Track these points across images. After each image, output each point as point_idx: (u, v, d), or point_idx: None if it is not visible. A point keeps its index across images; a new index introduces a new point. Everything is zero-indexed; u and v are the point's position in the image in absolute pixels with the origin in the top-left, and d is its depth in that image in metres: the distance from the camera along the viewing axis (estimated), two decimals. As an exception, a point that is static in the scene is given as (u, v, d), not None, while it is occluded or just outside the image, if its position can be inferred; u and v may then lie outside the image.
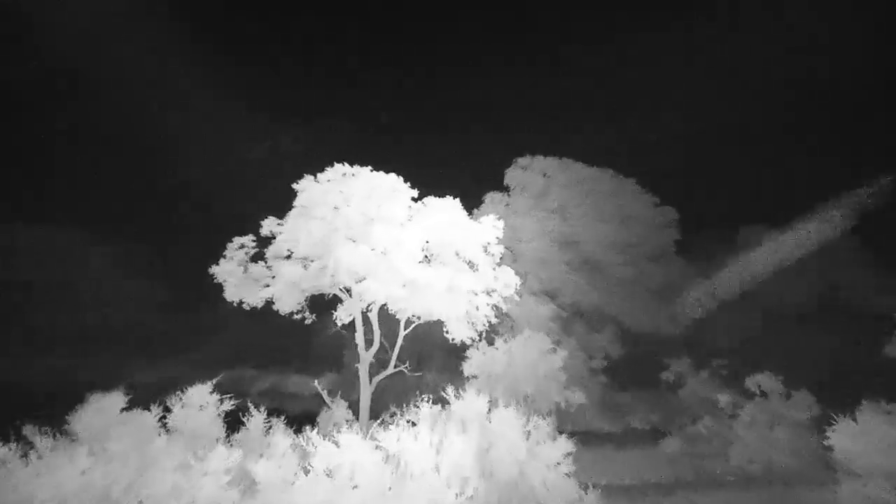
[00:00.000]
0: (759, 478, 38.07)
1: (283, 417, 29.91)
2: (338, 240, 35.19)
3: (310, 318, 37.15)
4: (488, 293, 36.76)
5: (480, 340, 38.64)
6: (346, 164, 36.84)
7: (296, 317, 36.89)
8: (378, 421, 30.87)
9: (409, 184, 36.75)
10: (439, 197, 37.43)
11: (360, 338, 37.32)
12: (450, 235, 36.04)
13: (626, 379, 55.20)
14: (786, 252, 60.82)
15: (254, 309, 36.91)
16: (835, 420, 30.16)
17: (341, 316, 36.90)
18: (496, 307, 36.87)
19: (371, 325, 37.58)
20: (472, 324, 36.40)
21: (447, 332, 36.16)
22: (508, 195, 53.24)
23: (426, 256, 36.72)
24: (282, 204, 37.07)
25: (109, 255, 78.93)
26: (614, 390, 52.39)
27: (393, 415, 34.85)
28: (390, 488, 23.65)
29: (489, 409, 30.05)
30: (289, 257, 36.27)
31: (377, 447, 24.78)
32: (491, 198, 52.83)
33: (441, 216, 36.42)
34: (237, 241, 36.82)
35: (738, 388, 42.32)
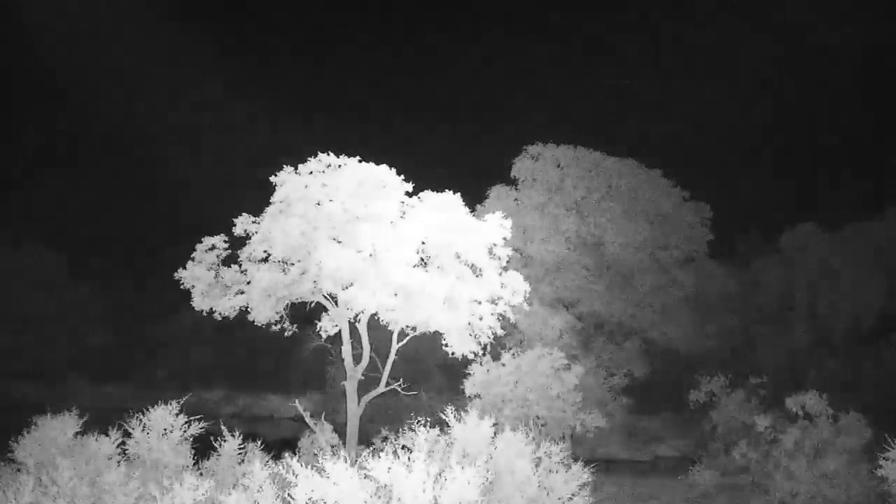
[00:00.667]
0: (804, 513, 38.32)
1: (259, 443, 30.15)
2: (320, 240, 35.47)
3: (289, 330, 37.44)
4: (494, 302, 37.04)
5: (484, 356, 38.90)
6: (330, 153, 37.07)
7: (273, 328, 37.19)
8: (367, 447, 31.13)
9: (402, 177, 37.00)
10: (437, 191, 37.70)
11: (346, 352, 37.62)
12: (449, 236, 36.30)
13: (652, 400, 55.56)
14: (840, 257, 61.02)
15: (226, 319, 37.21)
16: (889, 447, 30.40)
17: (325, 327, 37.16)
18: (503, 317, 37.17)
19: (360, 338, 37.87)
20: (475, 337, 36.69)
21: (446, 345, 36.44)
22: (517, 189, 53.52)
23: (422, 260, 36.97)
24: (262, 200, 37.38)
25: (54, 263, 79.14)
26: (638, 413, 52.74)
27: (384, 440, 35.11)
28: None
29: (494, 434, 30.30)
30: (265, 260, 36.54)
31: (366, 477, 25.06)
32: (497, 192, 53.11)
33: (439, 214, 36.66)
34: (207, 241, 37.10)
35: (779, 411, 42.53)
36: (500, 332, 37.20)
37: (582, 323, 52.02)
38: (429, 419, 29.88)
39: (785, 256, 62.83)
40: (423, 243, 36.62)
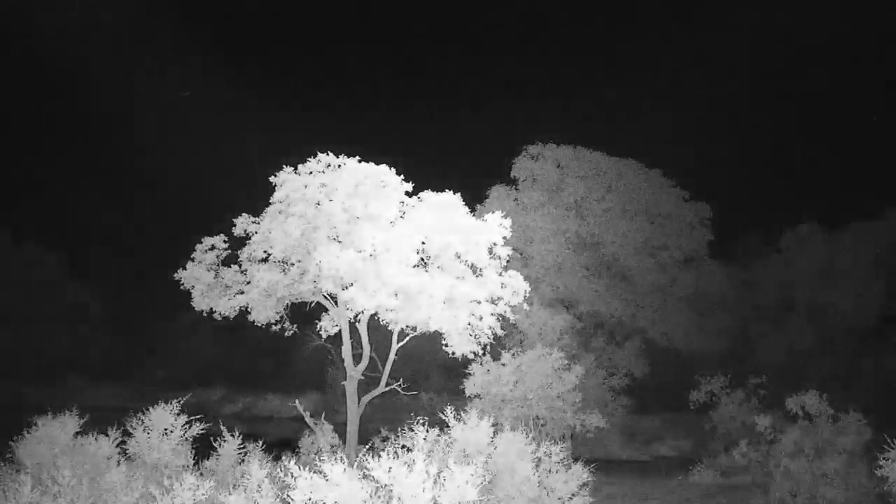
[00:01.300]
0: (804, 513, 38.38)
1: (259, 443, 30.22)
2: (320, 241, 35.50)
3: (289, 330, 37.50)
4: (493, 302, 37.06)
5: (484, 356, 38.93)
6: (330, 153, 37.12)
7: (273, 328, 37.24)
8: (367, 446, 31.16)
9: (402, 176, 37.03)
10: (437, 191, 37.74)
11: (346, 352, 37.67)
12: (449, 236, 36.27)
13: (652, 400, 55.64)
14: (841, 257, 61.05)
15: (226, 319, 37.26)
16: (889, 447, 30.45)
17: (325, 327, 37.23)
18: (503, 318, 37.18)
19: (360, 338, 37.93)
20: (475, 337, 36.70)
21: (446, 345, 36.46)
22: (517, 189, 53.63)
23: (422, 260, 37.00)
24: (262, 201, 37.43)
25: (54, 262, 79.19)
26: (638, 413, 52.81)
27: (384, 439, 35.14)
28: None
29: (494, 434, 30.36)
30: (265, 260, 36.59)
31: (365, 477, 25.12)
32: (497, 192, 53.22)
33: (439, 213, 36.68)
34: (207, 241, 37.14)
35: (779, 411, 42.60)
36: (500, 332, 37.19)
37: (582, 323, 52.10)
38: (428, 419, 29.94)
39: (785, 256, 62.88)
40: (423, 243, 36.61)
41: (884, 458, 30.43)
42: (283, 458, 28.31)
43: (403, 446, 27.90)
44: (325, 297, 37.27)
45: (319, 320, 37.58)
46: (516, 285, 37.34)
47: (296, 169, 37.15)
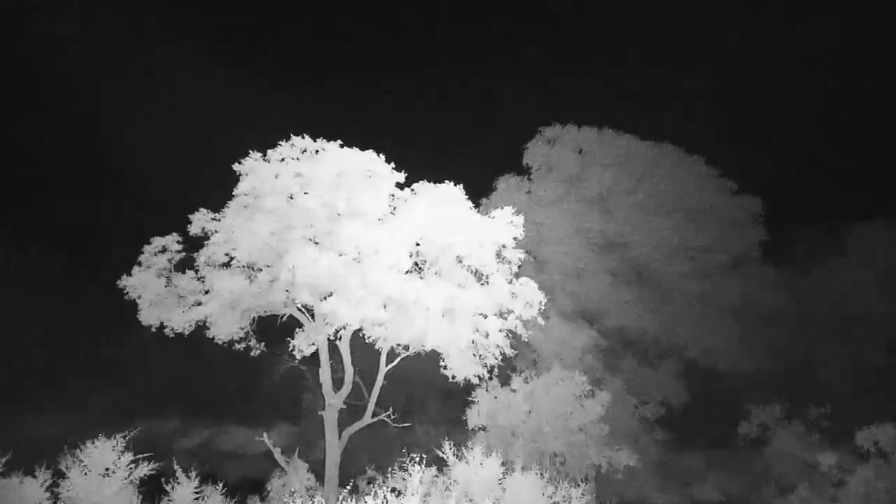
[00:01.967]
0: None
1: (220, 485, 30.20)
2: (294, 242, 35.49)
3: (257, 349, 37.44)
4: (502, 315, 37.11)
5: (491, 380, 38.97)
6: (306, 136, 37.08)
7: (237, 346, 37.18)
8: (349, 488, 31.18)
9: (392, 165, 37.01)
10: (434, 182, 37.75)
11: (325, 375, 37.63)
12: (449, 235, 36.34)
13: (693, 433, 55.47)
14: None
15: (180, 336, 37.18)
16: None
17: (300, 345, 37.17)
18: (513, 334, 37.20)
19: (341, 359, 37.89)
20: (480, 357, 36.75)
21: (445, 367, 36.45)
22: (530, 179, 53.59)
23: (416, 264, 37.05)
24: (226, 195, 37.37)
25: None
26: (676, 449, 52.70)
27: (371, 480, 35.18)
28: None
29: (503, 475, 30.38)
30: (228, 265, 36.52)
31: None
32: (506, 183, 53.17)
33: (437, 209, 36.73)
34: (156, 242, 37.05)
35: (847, 447, 42.59)
36: (509, 351, 37.22)
37: (608, 340, 52.04)
38: (424, 456, 29.96)
39: (853, 259, 62.81)
40: (418, 245, 36.69)
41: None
42: (249, 502, 28.30)
43: (394, 489, 27.93)
44: (300, 310, 37.23)
45: (293, 337, 37.52)
46: (529, 295, 37.38)
47: (265, 155, 37.00)
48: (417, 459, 29.27)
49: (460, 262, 37.21)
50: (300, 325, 37.50)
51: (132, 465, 28.75)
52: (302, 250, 34.91)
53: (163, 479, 29.57)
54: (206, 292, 36.42)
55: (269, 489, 36.58)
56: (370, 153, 36.87)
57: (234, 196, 37.09)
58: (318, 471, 38.13)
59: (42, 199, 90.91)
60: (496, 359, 36.83)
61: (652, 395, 51.29)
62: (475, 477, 29.35)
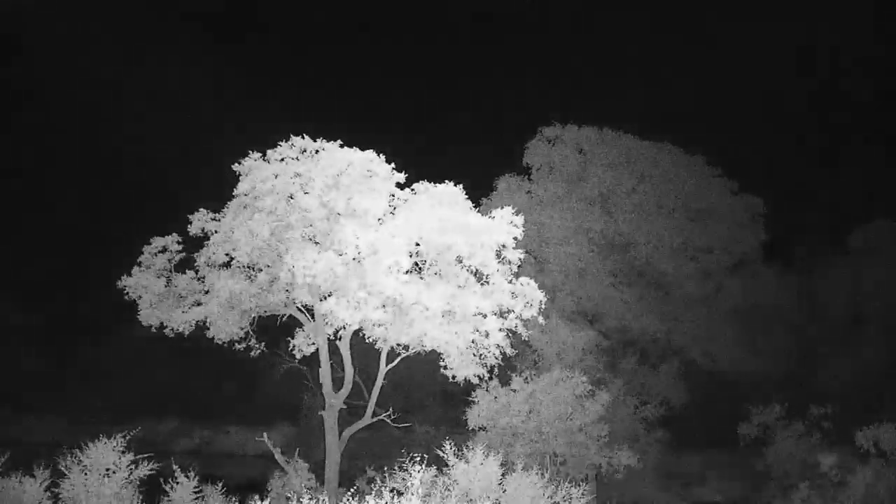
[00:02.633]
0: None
1: (220, 485, 30.25)
2: (293, 242, 35.54)
3: (257, 349, 37.51)
4: (503, 315, 37.14)
5: (491, 380, 39.02)
6: (305, 136, 37.14)
7: (237, 347, 37.26)
8: (351, 489, 31.23)
9: (392, 165, 37.07)
10: (434, 182, 37.81)
11: (325, 376, 37.72)
12: (449, 236, 36.32)
13: (694, 434, 55.54)
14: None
15: (179, 336, 37.24)
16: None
17: (300, 345, 37.32)
18: (513, 334, 37.25)
19: (341, 359, 37.96)
20: (480, 357, 36.79)
21: (445, 368, 36.54)
22: (530, 179, 53.64)
23: (416, 265, 37.08)
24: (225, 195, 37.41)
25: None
26: (677, 450, 52.77)
27: (371, 481, 35.20)
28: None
29: (503, 475, 30.44)
30: (227, 265, 36.58)
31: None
32: (506, 183, 53.22)
33: (437, 209, 36.77)
34: (157, 242, 37.15)
35: (847, 447, 42.66)
36: (509, 351, 37.27)
37: (609, 340, 52.13)
38: (424, 456, 30.02)
39: (854, 259, 62.85)
40: (418, 245, 36.71)
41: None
42: (250, 501, 28.38)
43: (394, 489, 28.00)
44: (300, 310, 37.32)
45: (292, 337, 37.64)
46: (530, 295, 37.40)
47: (264, 155, 37.09)
48: (418, 459, 29.33)
49: (460, 262, 37.19)
50: (300, 325, 37.60)
51: (132, 466, 28.80)
52: (301, 250, 34.97)
53: (162, 480, 29.62)
54: (206, 292, 36.50)
55: (269, 489, 36.57)
56: (370, 153, 36.92)
57: (233, 196, 37.18)
58: (318, 471, 38.19)
59: (40, 198, 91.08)
60: (496, 359, 36.85)
61: (652, 396, 51.34)
62: (475, 477, 29.40)
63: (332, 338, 37.43)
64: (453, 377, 36.54)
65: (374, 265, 34.82)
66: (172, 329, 36.65)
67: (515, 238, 37.46)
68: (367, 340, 36.70)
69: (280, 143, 37.09)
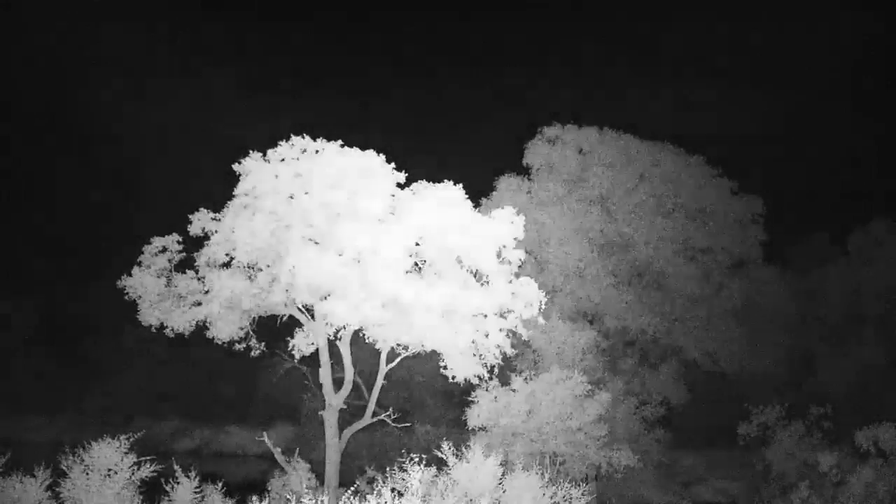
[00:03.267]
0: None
1: (220, 485, 30.28)
2: (293, 242, 35.60)
3: (257, 349, 37.55)
4: (502, 315, 37.22)
5: (491, 380, 39.06)
6: (306, 136, 37.20)
7: (237, 347, 37.31)
8: (350, 489, 31.28)
9: (392, 165, 37.14)
10: (434, 182, 37.87)
11: (325, 376, 37.77)
12: (449, 236, 36.45)
13: (693, 434, 55.63)
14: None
15: (180, 336, 37.28)
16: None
17: (300, 345, 37.37)
18: (513, 334, 37.33)
19: (341, 359, 38.01)
20: (480, 357, 36.86)
21: (445, 368, 36.60)
22: (530, 179, 53.68)
23: (416, 265, 37.14)
24: (226, 195, 37.44)
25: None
26: (677, 449, 52.81)
27: (371, 481, 35.28)
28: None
29: (503, 475, 30.48)
30: (228, 265, 36.61)
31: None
32: (506, 183, 53.27)
33: (437, 209, 36.83)
34: (157, 242, 37.16)
35: (847, 447, 42.70)
36: (509, 351, 37.36)
37: (608, 340, 52.15)
38: (424, 456, 30.08)
39: (854, 260, 62.90)
40: (418, 245, 36.78)
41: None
42: (250, 501, 28.42)
43: (394, 489, 28.04)
44: (300, 310, 37.37)
45: (292, 337, 37.68)
46: (530, 295, 37.47)
47: (265, 155, 37.17)
48: (417, 460, 29.38)
49: (460, 262, 37.28)
50: (300, 326, 37.64)
51: (134, 467, 28.83)
52: (302, 250, 35.05)
53: (163, 480, 29.66)
54: (206, 292, 36.49)
55: (269, 489, 36.64)
56: (370, 153, 37.04)
57: (234, 196, 37.24)
58: (318, 471, 38.24)
59: (40, 199, 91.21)
60: (496, 359, 36.93)
61: (652, 396, 51.41)
62: (475, 477, 29.44)
63: (332, 338, 37.48)
64: (453, 377, 36.61)
65: (375, 265, 34.93)
66: (172, 329, 36.68)
67: (515, 238, 37.57)
68: (367, 340, 36.73)
69: (280, 143, 37.15)
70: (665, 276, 53.61)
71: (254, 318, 37.15)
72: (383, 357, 37.69)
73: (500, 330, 36.79)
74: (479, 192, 49.50)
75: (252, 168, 36.91)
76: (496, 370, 37.98)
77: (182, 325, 36.50)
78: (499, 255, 37.46)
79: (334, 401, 37.68)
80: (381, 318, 34.71)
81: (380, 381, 38.14)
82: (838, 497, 41.31)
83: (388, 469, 30.38)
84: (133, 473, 28.84)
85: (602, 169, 53.26)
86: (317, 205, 35.90)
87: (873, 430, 40.67)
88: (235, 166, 37.22)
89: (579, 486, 32.01)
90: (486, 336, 36.62)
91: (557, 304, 50.07)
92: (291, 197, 36.36)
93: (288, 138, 37.15)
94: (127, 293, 36.73)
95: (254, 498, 29.72)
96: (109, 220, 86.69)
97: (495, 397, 40.13)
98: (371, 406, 38.29)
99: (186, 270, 37.26)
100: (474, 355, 36.74)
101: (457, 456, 30.11)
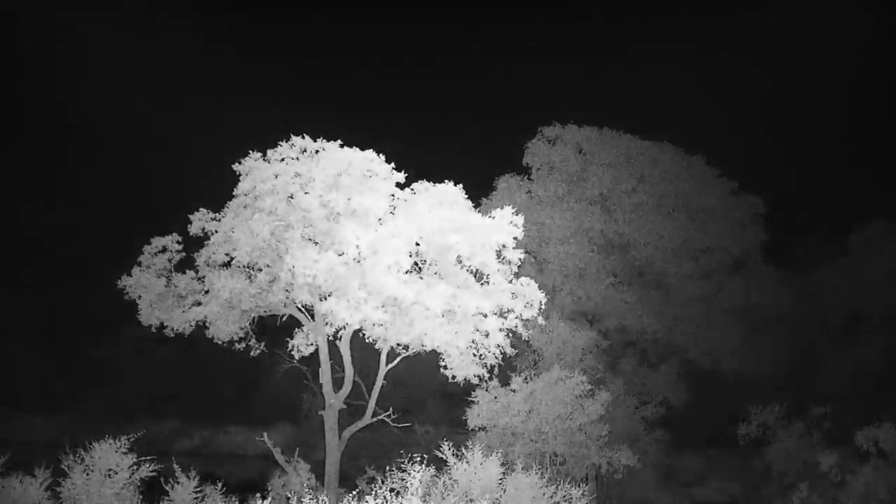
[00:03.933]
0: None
1: (220, 485, 30.28)
2: (293, 242, 35.56)
3: (256, 349, 37.53)
4: (503, 315, 37.19)
5: (491, 380, 39.08)
6: (306, 136, 37.20)
7: (237, 346, 37.27)
8: (350, 489, 31.33)
9: (392, 165, 37.13)
10: (434, 182, 37.86)
11: (325, 376, 37.75)
12: (449, 236, 36.37)
13: (694, 434, 55.61)
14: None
15: (179, 336, 37.25)
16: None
17: (299, 346, 37.32)
18: (513, 334, 37.31)
19: (340, 359, 38.00)
20: (480, 357, 36.81)
21: (445, 368, 36.59)
22: (530, 179, 53.76)
23: (416, 265, 37.13)
24: (225, 195, 37.40)
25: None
26: (677, 449, 52.82)
27: (371, 481, 35.24)
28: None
29: (503, 475, 30.50)
30: (227, 265, 36.58)
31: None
32: (506, 183, 53.35)
33: (437, 209, 36.81)
34: (157, 242, 37.13)
35: (847, 447, 42.71)
36: (510, 351, 37.31)
37: (608, 340, 52.14)
38: (424, 456, 30.10)
39: (854, 260, 62.89)
40: (418, 245, 36.75)
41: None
42: (250, 502, 28.42)
43: (393, 489, 28.07)
44: (300, 310, 37.33)
45: (292, 338, 37.66)
46: (530, 295, 37.45)
47: (264, 155, 37.12)
48: (417, 460, 29.40)
49: (460, 262, 37.24)
50: (300, 326, 37.62)
51: (134, 467, 28.84)
52: (301, 250, 34.98)
53: (162, 480, 29.67)
54: (206, 292, 36.43)
55: (269, 489, 36.60)
56: (370, 153, 36.98)
57: (233, 196, 37.21)
58: (318, 471, 38.22)
59: (40, 197, 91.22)
60: (496, 359, 36.89)
61: (652, 396, 51.48)
62: (475, 477, 29.47)
63: (331, 338, 37.47)
64: (453, 377, 36.57)
65: (375, 265, 34.84)
66: (172, 329, 36.66)
67: (515, 238, 37.49)
68: (367, 340, 36.73)
69: (280, 143, 37.13)
70: (665, 275, 53.71)
71: (253, 317, 37.11)
72: (383, 357, 37.65)
73: (500, 330, 36.72)
74: (478, 192, 49.55)
75: (252, 168, 36.84)
76: (496, 370, 37.98)
77: (181, 324, 36.41)
78: (499, 255, 37.43)
79: (334, 401, 37.65)
80: (380, 318, 34.62)
81: (380, 381, 38.10)
82: (839, 497, 41.32)
83: (388, 469, 30.40)
84: (133, 473, 28.86)
85: (602, 168, 53.38)
86: (317, 204, 35.81)
87: (873, 430, 40.67)
88: (235, 166, 37.15)
89: (579, 486, 32.03)
90: (486, 336, 36.58)
91: (557, 304, 50.11)
92: (291, 197, 36.29)
93: (288, 138, 37.10)
94: (126, 293, 36.71)
95: (254, 497, 29.73)
96: (108, 219, 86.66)
97: (495, 397, 40.15)
98: (371, 406, 38.25)
99: (186, 270, 37.21)
100: (474, 355, 36.69)
101: (457, 456, 30.15)
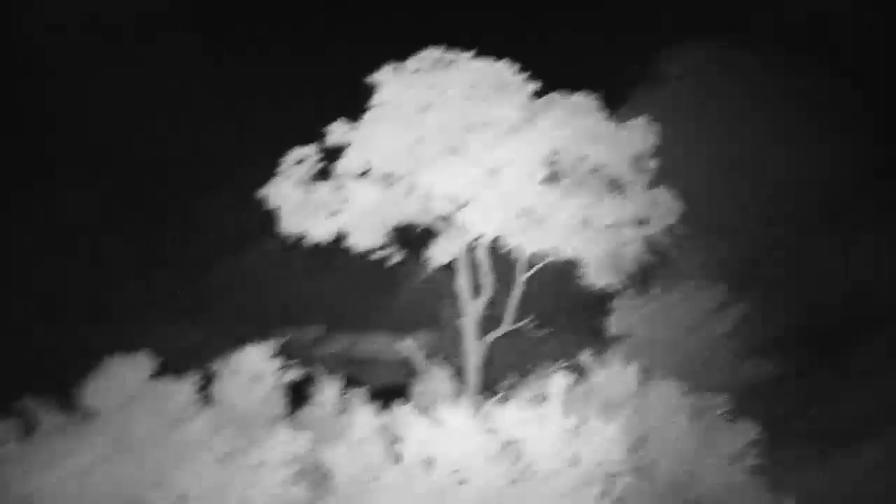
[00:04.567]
0: None
1: (363, 390, 30.66)
2: (429, 152, 35.58)
3: (395, 258, 37.74)
4: (640, 224, 36.72)
5: (629, 289, 38.75)
6: (437, 48, 37.06)
7: (376, 256, 37.54)
8: (491, 395, 31.50)
9: (526, 74, 36.74)
10: (568, 92, 37.38)
11: (463, 284, 37.86)
12: (583, 146, 36.02)
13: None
14: None
15: (318, 247, 37.66)
16: None
17: (437, 255, 37.43)
18: (651, 243, 36.85)
19: (478, 268, 38.04)
20: (617, 266, 36.51)
21: (582, 277, 36.39)
22: (666, 89, 52.88)
23: (551, 175, 36.81)
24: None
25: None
26: (821, 360, 51.97)
27: (511, 387, 35.38)
28: (514, 482, 24.25)
29: (642, 383, 30.38)
30: (365, 174, 36.76)
31: (491, 430, 25.42)
32: (641, 92, 52.53)
33: (571, 120, 36.39)
34: (295, 152, 37.48)
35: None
36: (647, 259, 36.91)
37: (747, 254, 51.29)
38: (563, 364, 30.08)
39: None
40: (553, 154, 36.41)
41: None
42: (393, 406, 28.74)
43: (535, 395, 28.11)
44: (438, 219, 37.38)
45: (430, 247, 37.81)
46: (667, 204, 36.91)
47: (397, 68, 37.13)
48: (557, 367, 29.42)
49: (595, 171, 36.86)
50: (437, 235, 37.74)
51: (279, 372, 29.35)
52: (437, 161, 35.02)
53: (306, 385, 30.17)
54: (345, 202, 36.74)
55: (411, 394, 37.04)
56: (503, 63, 36.71)
57: (369, 108, 37.31)
58: (459, 377, 38.54)
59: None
60: (634, 268, 36.59)
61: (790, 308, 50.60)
62: (615, 385, 29.43)
63: (469, 246, 37.51)
64: (591, 286, 36.40)
65: (510, 175, 34.71)
66: (312, 238, 37.02)
67: (652, 147, 36.95)
68: (504, 249, 36.69)
69: (411, 55, 37.07)
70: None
71: (391, 227, 37.31)
72: (521, 265, 37.58)
73: (638, 239, 36.36)
74: (614, 103, 48.98)
75: (385, 80, 36.87)
76: (635, 280, 37.65)
77: (321, 233, 36.79)
78: (635, 164, 36.93)
79: (472, 308, 37.84)
80: (517, 228, 34.57)
81: (518, 290, 38.11)
82: None
83: (528, 376, 30.49)
84: (278, 378, 29.41)
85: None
86: (450, 116, 35.76)
87: None
88: (368, 79, 37.23)
89: (719, 395, 31.76)
90: (624, 245, 36.26)
91: (695, 214, 49.39)
92: (426, 107, 36.27)
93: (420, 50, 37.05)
94: (266, 204, 37.18)
95: (396, 402, 30.09)
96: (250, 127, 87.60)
97: (633, 307, 39.96)
98: (509, 314, 38.34)
99: (325, 180, 37.53)
100: (611, 265, 36.44)
101: (596, 363, 30.07)
